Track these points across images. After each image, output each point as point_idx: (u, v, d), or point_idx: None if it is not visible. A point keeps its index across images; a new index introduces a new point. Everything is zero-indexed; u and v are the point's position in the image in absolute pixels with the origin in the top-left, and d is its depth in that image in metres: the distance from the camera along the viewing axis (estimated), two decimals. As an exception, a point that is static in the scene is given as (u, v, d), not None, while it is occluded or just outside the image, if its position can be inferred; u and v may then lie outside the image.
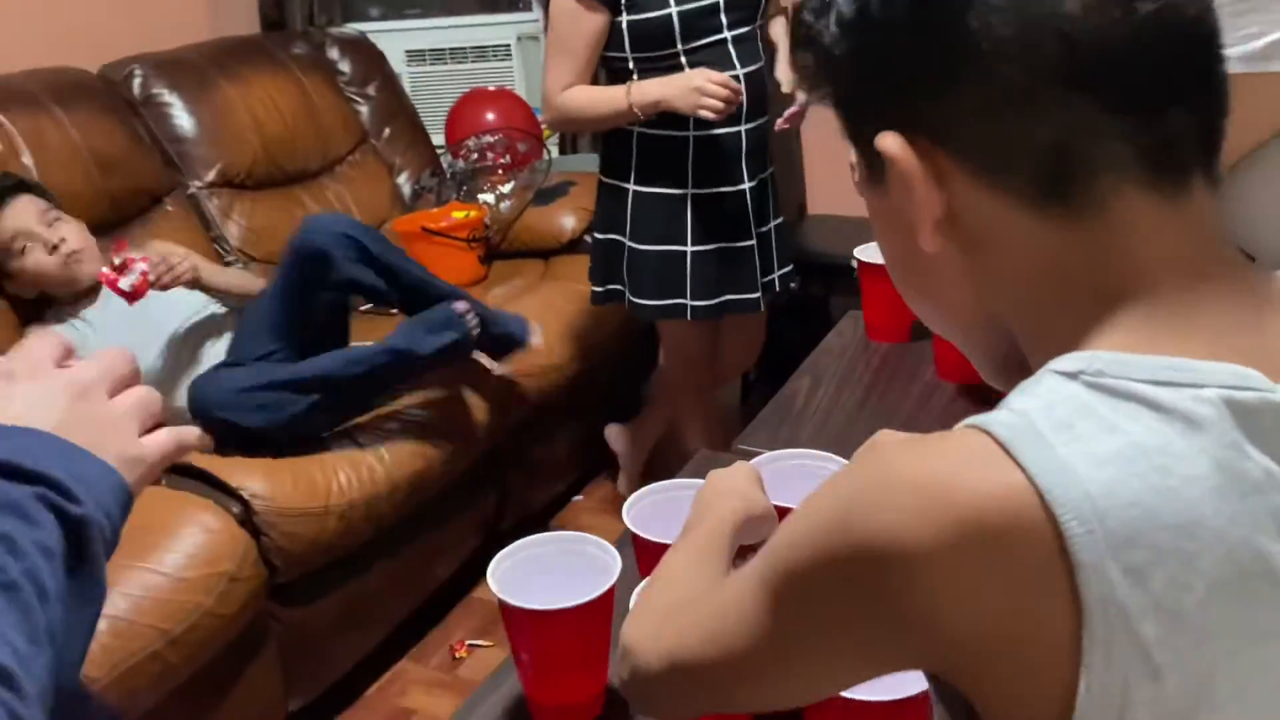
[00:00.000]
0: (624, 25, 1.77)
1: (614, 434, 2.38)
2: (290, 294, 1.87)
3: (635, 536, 0.87)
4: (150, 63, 2.44)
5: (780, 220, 2.05)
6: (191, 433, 0.61)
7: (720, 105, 1.70)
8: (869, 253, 1.48)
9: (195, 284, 1.89)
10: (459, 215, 2.62)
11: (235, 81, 2.54)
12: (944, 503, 0.45)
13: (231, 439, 1.75)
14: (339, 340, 1.93)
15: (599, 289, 2.05)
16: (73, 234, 1.89)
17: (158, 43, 2.54)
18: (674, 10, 1.75)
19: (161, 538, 1.53)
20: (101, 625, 1.38)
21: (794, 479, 0.95)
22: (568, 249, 2.66)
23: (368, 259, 1.83)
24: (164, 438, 0.59)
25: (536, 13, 3.30)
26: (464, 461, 2.00)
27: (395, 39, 3.20)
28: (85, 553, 0.51)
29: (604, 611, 0.79)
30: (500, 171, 2.81)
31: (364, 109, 2.89)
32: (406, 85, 3.21)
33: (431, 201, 2.83)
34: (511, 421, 2.16)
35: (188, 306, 1.97)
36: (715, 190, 1.89)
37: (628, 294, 1.97)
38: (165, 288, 1.80)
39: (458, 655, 1.99)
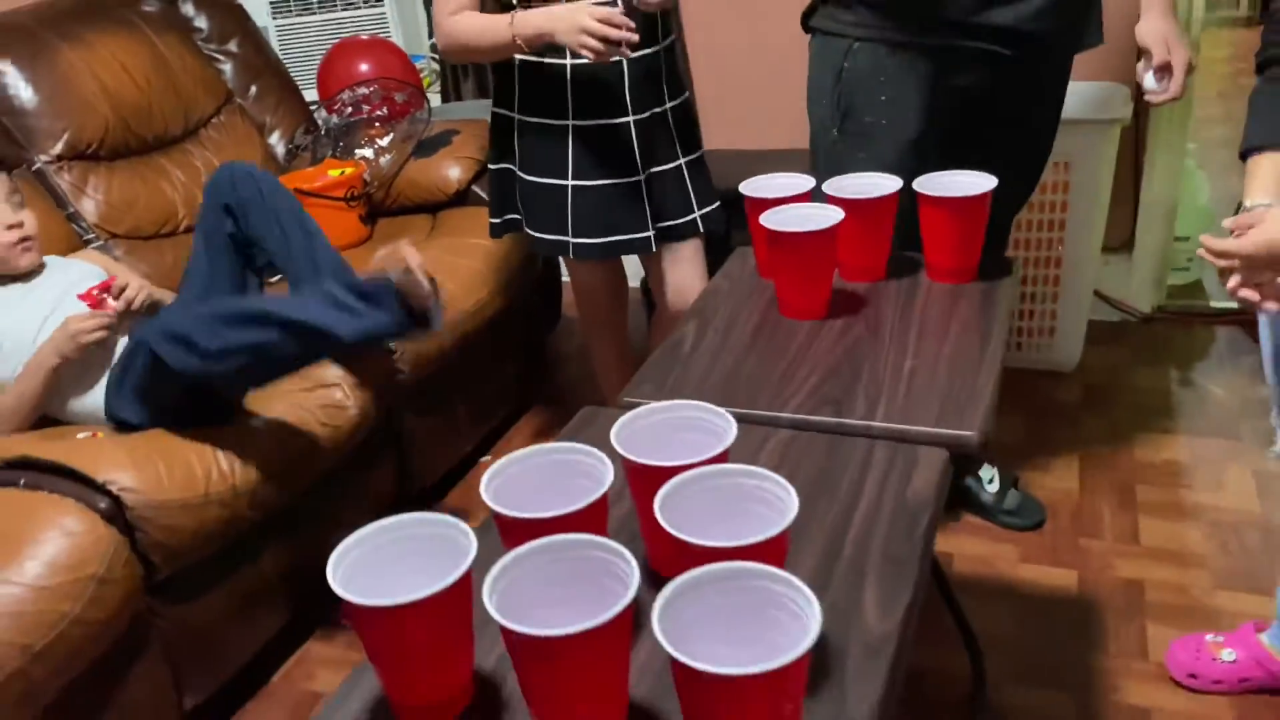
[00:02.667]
0: None
1: None
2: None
3: (497, 515, 0.80)
4: (-25, 29, 2.24)
5: (695, 156, 1.95)
6: None
7: (601, 48, 1.61)
8: (755, 186, 1.42)
9: (155, 307, 1.88)
10: (335, 174, 2.49)
11: (76, 45, 2.35)
12: None
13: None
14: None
15: (496, 220, 2.00)
16: (30, 222, 1.89)
17: (-14, 6, 2.34)
18: None
19: (19, 545, 1.41)
20: (-46, 646, 1.28)
21: (673, 432, 0.89)
22: (456, 201, 2.55)
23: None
24: None
25: (406, -46, 3.13)
26: (356, 437, 1.90)
27: (256, -10, 3.02)
28: None
29: (461, 600, 0.72)
30: (378, 124, 2.67)
31: (227, 67, 2.71)
32: (274, 39, 3.04)
33: (307, 161, 2.68)
34: (405, 388, 2.07)
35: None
36: (596, 123, 1.82)
37: (525, 225, 1.93)
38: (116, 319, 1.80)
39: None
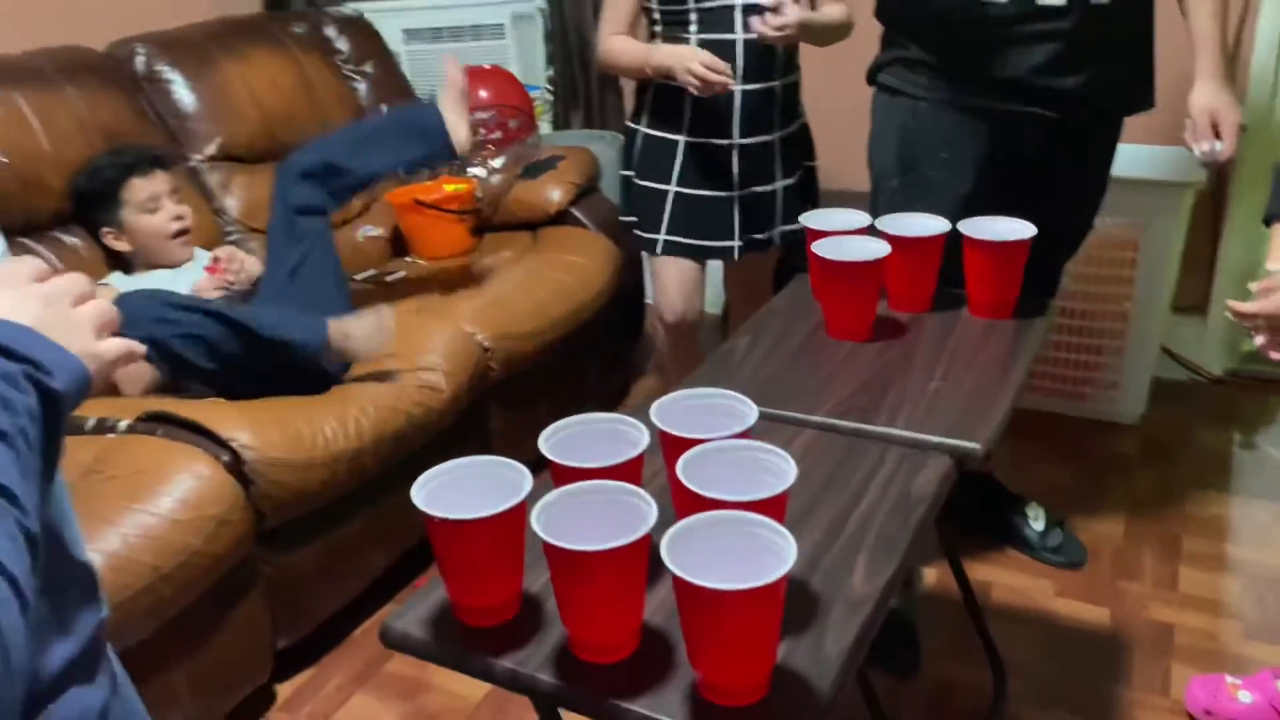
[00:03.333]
0: None
1: None
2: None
3: (551, 462, 0.97)
4: (153, 41, 2.55)
5: (790, 180, 2.18)
6: (139, 346, 0.73)
7: (697, 84, 1.91)
8: (815, 219, 1.57)
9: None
10: (449, 188, 2.73)
11: (235, 59, 2.65)
12: None
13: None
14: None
15: (623, 218, 2.28)
16: (190, 217, 2.22)
17: (163, 21, 2.65)
18: None
19: (157, 482, 1.65)
20: (99, 560, 1.51)
21: (706, 415, 1.06)
22: (554, 221, 2.77)
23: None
24: (118, 343, 0.71)
25: (530, -8, 3.39)
26: (446, 420, 2.11)
27: (393, 18, 3.30)
28: (56, 422, 0.63)
29: (515, 523, 0.89)
30: (491, 146, 2.91)
31: (361, 86, 2.99)
32: (404, 63, 3.31)
33: (426, 175, 2.92)
34: (494, 382, 2.27)
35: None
36: (706, 140, 2.08)
37: (635, 228, 2.20)
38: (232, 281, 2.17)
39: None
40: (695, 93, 1.93)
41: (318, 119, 2.79)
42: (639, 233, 2.18)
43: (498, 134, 2.98)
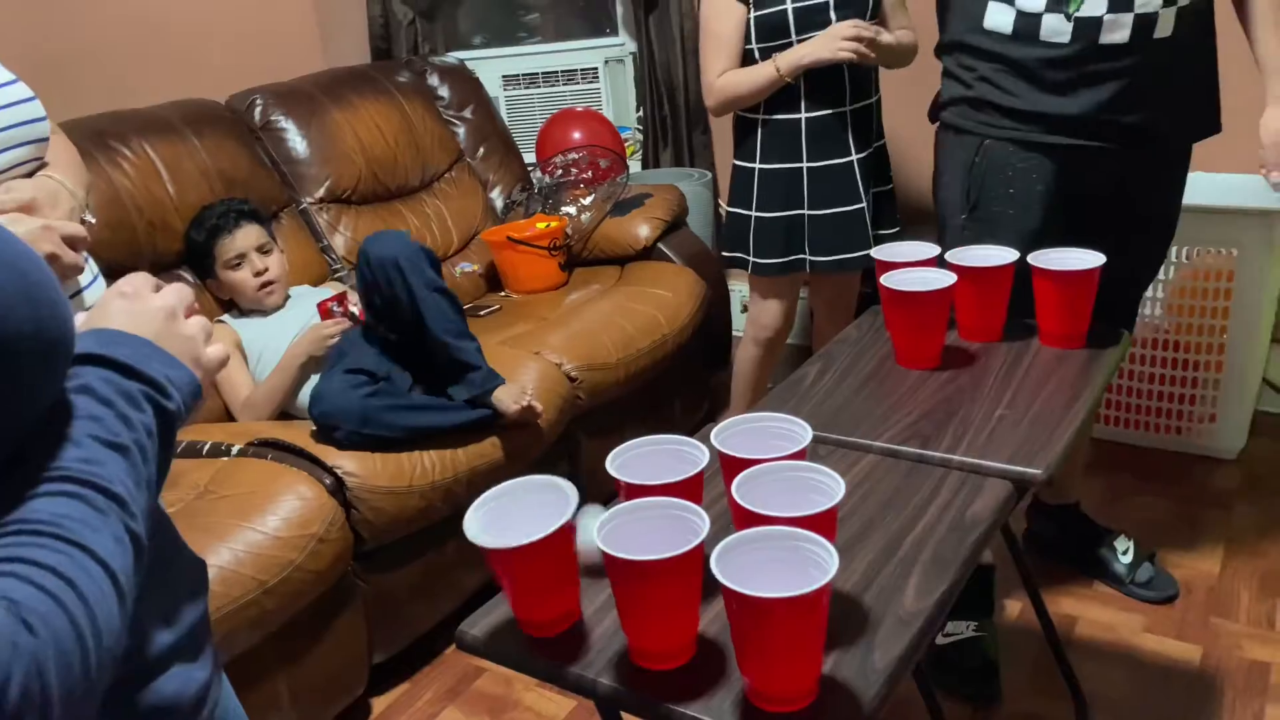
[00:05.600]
0: (751, 19, 2.14)
1: None
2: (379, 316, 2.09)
3: (617, 481, 1.04)
4: (269, 93, 2.74)
5: (888, 186, 2.33)
6: (228, 350, 0.82)
7: (860, 48, 2.03)
8: (886, 251, 1.61)
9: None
10: (542, 226, 2.84)
11: (343, 107, 2.82)
12: None
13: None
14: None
15: (726, 254, 2.38)
16: (275, 266, 2.31)
17: (279, 73, 2.85)
18: (789, 7, 2.10)
19: (264, 502, 1.77)
20: (210, 573, 1.63)
21: (764, 438, 1.11)
22: (641, 256, 2.85)
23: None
24: (220, 350, 0.80)
25: (622, 38, 3.51)
26: (538, 449, 2.20)
27: (492, 65, 3.46)
28: (169, 438, 0.72)
29: (563, 542, 0.96)
30: (582, 185, 3.02)
31: (460, 130, 3.14)
32: (503, 107, 3.47)
33: (521, 214, 3.05)
34: (582, 411, 2.35)
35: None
36: (828, 162, 2.20)
37: (751, 258, 2.29)
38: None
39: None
40: (854, 59, 2.03)
41: (419, 162, 2.95)
42: (765, 259, 2.27)
43: (589, 173, 3.09)
